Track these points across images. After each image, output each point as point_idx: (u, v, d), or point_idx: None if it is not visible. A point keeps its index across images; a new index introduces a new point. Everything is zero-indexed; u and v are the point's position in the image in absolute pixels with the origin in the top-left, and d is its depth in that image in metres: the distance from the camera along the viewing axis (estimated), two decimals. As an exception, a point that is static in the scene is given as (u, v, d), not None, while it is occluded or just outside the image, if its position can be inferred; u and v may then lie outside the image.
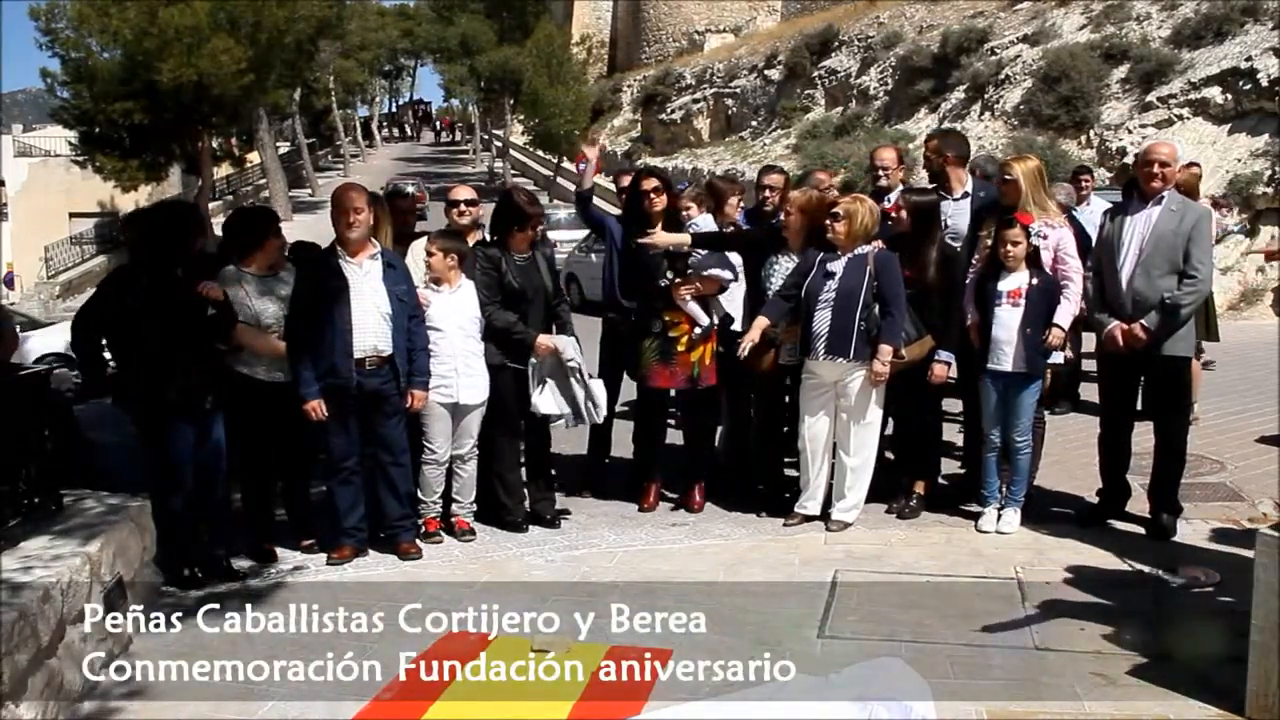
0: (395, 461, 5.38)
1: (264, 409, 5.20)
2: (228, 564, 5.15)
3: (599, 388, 5.79)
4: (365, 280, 5.20)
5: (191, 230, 5.21)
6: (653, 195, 5.88)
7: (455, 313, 5.55)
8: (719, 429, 6.47)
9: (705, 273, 5.84)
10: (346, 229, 5.21)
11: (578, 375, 5.67)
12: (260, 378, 5.21)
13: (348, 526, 5.35)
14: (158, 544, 4.87)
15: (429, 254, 5.56)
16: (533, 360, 5.65)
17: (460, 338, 5.54)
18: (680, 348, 5.86)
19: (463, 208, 5.99)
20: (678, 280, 5.80)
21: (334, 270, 5.18)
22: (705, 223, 5.95)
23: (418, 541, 5.48)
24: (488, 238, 5.96)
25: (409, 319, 5.32)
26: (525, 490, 5.92)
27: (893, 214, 5.71)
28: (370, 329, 5.18)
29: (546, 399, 5.68)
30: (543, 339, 5.67)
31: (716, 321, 5.92)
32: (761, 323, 5.64)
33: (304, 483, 5.66)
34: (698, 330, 5.83)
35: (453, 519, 5.73)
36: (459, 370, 5.52)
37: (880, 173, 6.29)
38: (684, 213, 5.97)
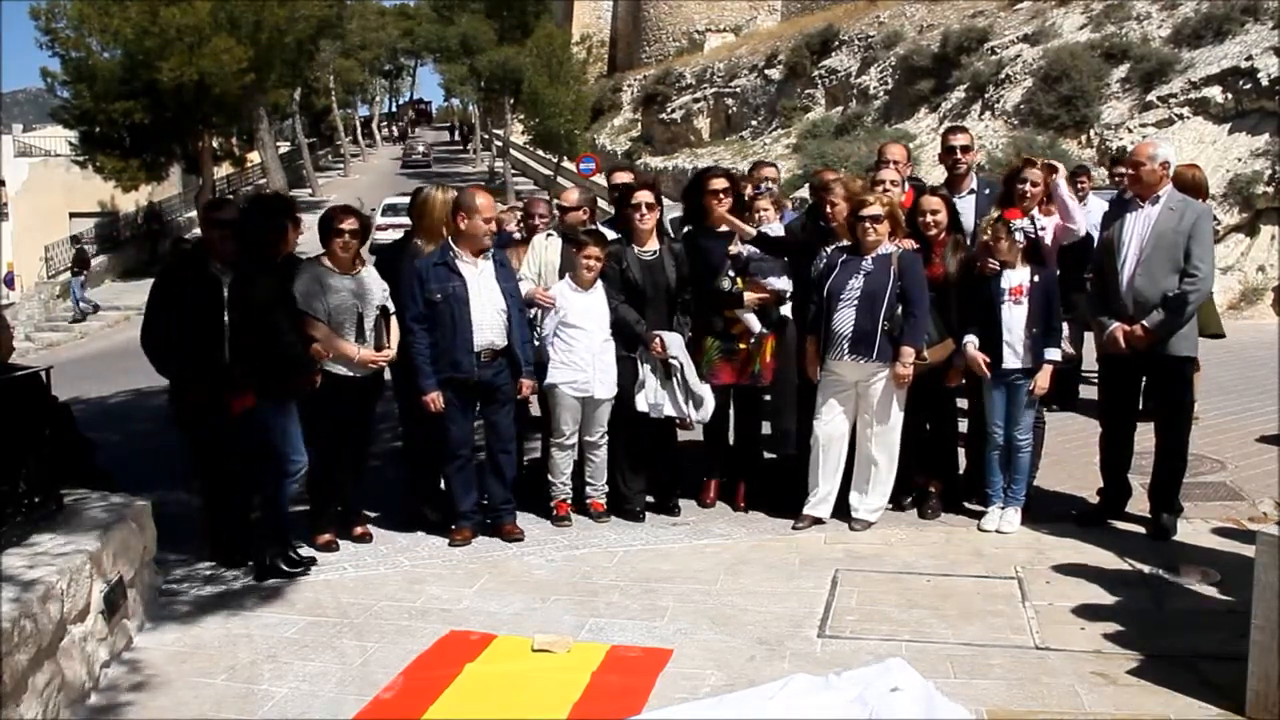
0: (504, 449, 5.64)
1: (336, 403, 5.34)
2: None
3: (705, 391, 5.82)
4: (482, 279, 5.46)
5: (288, 225, 5.39)
6: (721, 195, 5.91)
7: (597, 311, 5.78)
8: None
9: (766, 283, 5.82)
10: (484, 230, 5.43)
11: (678, 374, 5.75)
12: (339, 372, 5.36)
13: (465, 510, 5.63)
14: (265, 533, 5.10)
15: (595, 258, 5.71)
16: (639, 355, 5.78)
17: (600, 336, 5.77)
18: (743, 345, 5.89)
19: (535, 221, 6.42)
20: (738, 289, 5.81)
21: (453, 271, 5.40)
22: (779, 229, 5.90)
23: (518, 524, 5.67)
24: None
25: (519, 312, 5.59)
26: (644, 481, 6.05)
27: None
28: (488, 325, 5.45)
29: (641, 397, 5.79)
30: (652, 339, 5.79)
31: (767, 332, 5.88)
32: (812, 345, 5.66)
33: (360, 475, 5.77)
34: (752, 340, 5.85)
35: (588, 501, 5.98)
36: (595, 366, 5.73)
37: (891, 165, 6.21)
38: (760, 214, 5.94)
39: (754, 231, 5.83)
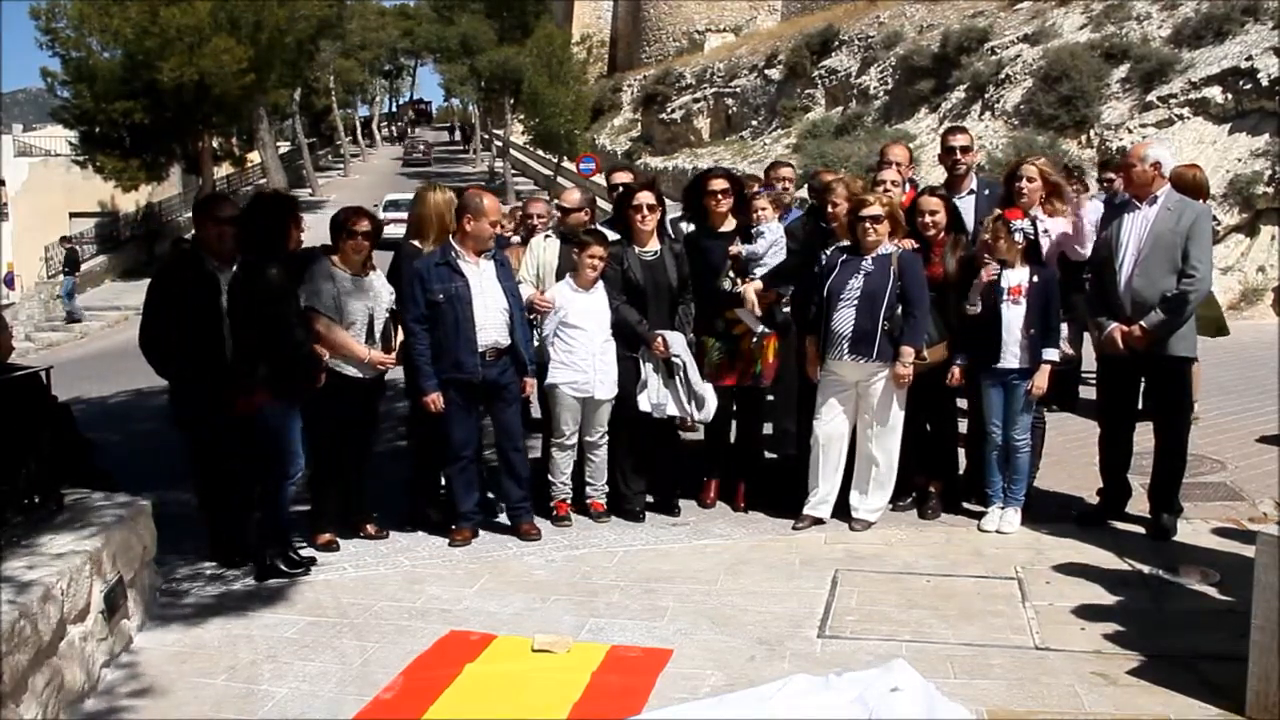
0: (515, 446, 5.67)
1: (340, 403, 5.36)
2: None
3: (707, 390, 5.82)
4: (484, 279, 5.46)
5: (290, 223, 5.36)
6: (720, 196, 5.89)
7: (598, 311, 5.77)
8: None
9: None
10: (489, 233, 5.50)
11: (681, 373, 5.75)
12: (348, 372, 5.39)
13: (466, 511, 5.64)
14: (265, 534, 5.09)
15: (599, 258, 5.70)
16: (640, 355, 5.79)
17: (601, 336, 5.76)
18: (744, 346, 5.88)
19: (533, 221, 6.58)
20: (739, 289, 5.80)
21: (455, 270, 5.40)
22: (778, 228, 5.92)
23: (535, 523, 5.70)
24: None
25: (520, 311, 5.60)
26: (645, 481, 6.04)
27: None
28: (491, 325, 5.45)
29: (644, 397, 5.79)
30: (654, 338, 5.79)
31: (769, 331, 5.88)
32: (812, 345, 5.64)
33: (362, 473, 5.78)
34: (754, 340, 5.85)
35: (588, 501, 5.98)
36: (595, 367, 5.73)
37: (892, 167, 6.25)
38: (758, 214, 5.93)
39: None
